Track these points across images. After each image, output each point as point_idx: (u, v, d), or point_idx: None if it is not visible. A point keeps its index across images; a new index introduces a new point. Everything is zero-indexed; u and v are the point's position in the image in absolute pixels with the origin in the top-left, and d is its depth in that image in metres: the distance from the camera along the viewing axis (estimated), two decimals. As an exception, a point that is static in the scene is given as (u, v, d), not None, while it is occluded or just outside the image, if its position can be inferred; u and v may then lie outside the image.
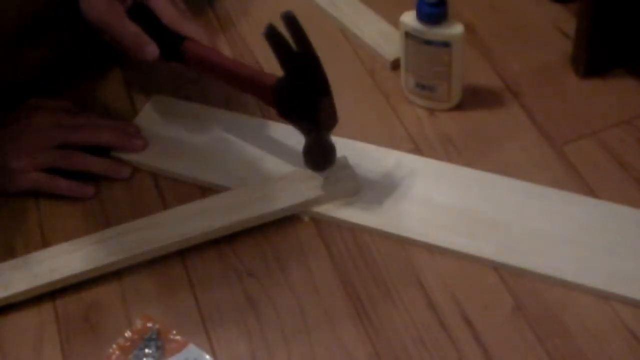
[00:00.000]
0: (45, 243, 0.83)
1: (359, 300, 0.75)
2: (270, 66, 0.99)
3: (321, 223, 0.82)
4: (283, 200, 0.81)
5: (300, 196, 0.81)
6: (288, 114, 0.80)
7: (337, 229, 0.81)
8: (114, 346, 0.74)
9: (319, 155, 0.81)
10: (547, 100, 0.90)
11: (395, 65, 0.95)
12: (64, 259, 0.79)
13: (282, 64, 0.77)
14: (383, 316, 0.74)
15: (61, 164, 0.86)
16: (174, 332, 0.75)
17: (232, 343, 0.74)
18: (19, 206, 0.87)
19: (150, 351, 0.73)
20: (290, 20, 0.74)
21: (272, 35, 0.74)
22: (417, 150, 0.87)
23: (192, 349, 0.73)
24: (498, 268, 0.76)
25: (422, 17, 0.84)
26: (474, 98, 0.91)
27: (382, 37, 0.99)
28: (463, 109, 0.91)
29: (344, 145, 0.87)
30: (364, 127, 0.90)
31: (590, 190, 0.81)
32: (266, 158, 0.87)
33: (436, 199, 0.81)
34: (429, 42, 0.85)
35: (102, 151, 0.89)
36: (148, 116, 0.93)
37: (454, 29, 0.84)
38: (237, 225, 0.80)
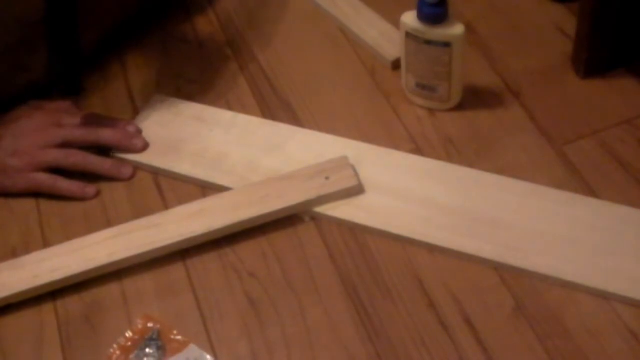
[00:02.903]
0: (45, 243, 0.83)
1: (359, 300, 0.75)
2: (271, 66, 0.99)
3: (321, 223, 0.82)
4: (283, 200, 0.81)
5: (300, 196, 0.81)
6: None
7: (337, 229, 0.81)
8: (115, 346, 0.74)
9: None
10: (547, 100, 0.90)
11: (396, 65, 0.95)
12: (64, 259, 0.79)
13: None
14: (383, 316, 0.74)
15: (62, 164, 0.86)
16: (175, 332, 0.75)
17: (233, 343, 0.74)
18: (19, 206, 0.87)
19: (151, 351, 0.73)
20: None
21: None
22: (417, 150, 0.87)
23: (193, 349, 0.73)
24: (498, 268, 0.76)
25: (423, 17, 0.84)
26: (474, 98, 0.91)
27: (383, 37, 0.99)
28: (463, 109, 0.91)
29: (344, 145, 0.87)
30: (364, 127, 0.90)
31: (590, 190, 0.81)
32: (266, 158, 0.87)
33: (436, 199, 0.81)
34: (429, 42, 0.85)
35: (102, 152, 0.89)
36: (148, 116, 0.93)
37: (455, 29, 0.84)
38: (238, 225, 0.80)
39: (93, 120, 0.90)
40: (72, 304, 0.78)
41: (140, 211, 0.84)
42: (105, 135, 0.88)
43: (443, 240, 0.78)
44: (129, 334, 0.75)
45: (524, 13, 1.01)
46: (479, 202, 0.80)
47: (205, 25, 1.06)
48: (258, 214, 0.80)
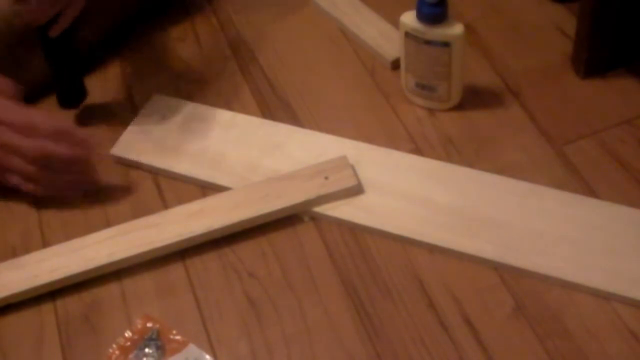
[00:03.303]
0: (45, 243, 0.83)
1: (359, 300, 0.75)
2: (271, 66, 0.99)
3: (321, 223, 0.82)
4: (283, 200, 0.81)
5: (300, 196, 0.81)
6: None
7: (337, 229, 0.81)
8: (114, 346, 0.74)
9: None
10: (547, 100, 0.90)
11: (395, 65, 0.95)
12: (64, 259, 0.79)
13: None
14: (383, 316, 0.74)
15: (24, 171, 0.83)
16: (174, 332, 0.75)
17: (232, 343, 0.74)
18: (19, 206, 0.87)
19: (151, 351, 0.73)
20: None
21: None
22: (417, 150, 0.87)
23: (192, 349, 0.73)
24: (498, 268, 0.76)
25: (422, 17, 0.84)
26: (474, 98, 0.91)
27: (382, 37, 0.99)
28: (463, 109, 0.91)
29: (343, 145, 0.87)
30: (364, 127, 0.90)
31: (590, 190, 0.81)
32: (266, 158, 0.87)
33: (436, 199, 0.81)
34: (429, 42, 0.85)
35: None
36: (148, 116, 0.93)
37: (454, 29, 0.84)
38: (237, 225, 0.80)
39: (29, 122, 0.83)
40: (71, 303, 0.78)
41: (139, 211, 0.84)
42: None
43: (443, 240, 0.78)
44: (128, 334, 0.75)
45: (524, 13, 1.01)
46: (479, 202, 0.80)
47: (205, 25, 1.06)
48: (257, 213, 0.80)
